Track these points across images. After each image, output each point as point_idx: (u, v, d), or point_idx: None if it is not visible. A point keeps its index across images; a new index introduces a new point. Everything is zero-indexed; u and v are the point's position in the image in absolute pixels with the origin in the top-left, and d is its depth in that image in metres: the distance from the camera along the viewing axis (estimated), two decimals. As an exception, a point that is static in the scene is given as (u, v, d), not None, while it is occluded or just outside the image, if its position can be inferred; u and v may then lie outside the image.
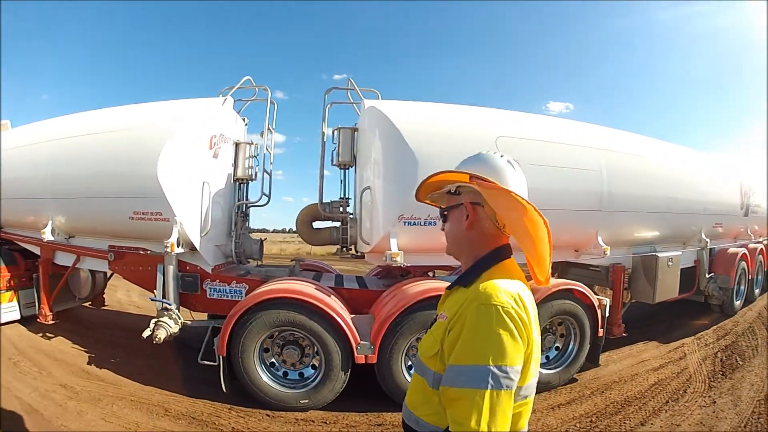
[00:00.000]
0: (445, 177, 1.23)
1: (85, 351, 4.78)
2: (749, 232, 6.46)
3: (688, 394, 3.85)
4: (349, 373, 3.67)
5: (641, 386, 4.05)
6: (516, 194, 1.08)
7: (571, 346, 4.23)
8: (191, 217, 4.07)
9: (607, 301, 4.28)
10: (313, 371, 3.80)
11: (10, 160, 5.03)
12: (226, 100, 4.58)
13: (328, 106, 4.94)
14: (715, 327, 5.52)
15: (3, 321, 4.96)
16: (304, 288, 3.73)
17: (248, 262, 4.92)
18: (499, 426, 1.00)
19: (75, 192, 4.47)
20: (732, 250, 5.63)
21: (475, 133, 4.15)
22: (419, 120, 4.09)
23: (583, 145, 4.44)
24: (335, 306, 3.63)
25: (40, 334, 5.08)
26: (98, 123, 4.62)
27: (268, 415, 3.60)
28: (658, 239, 4.89)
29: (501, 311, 1.00)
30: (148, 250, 4.23)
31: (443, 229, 1.29)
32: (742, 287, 6.06)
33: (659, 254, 4.60)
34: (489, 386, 0.98)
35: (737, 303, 5.97)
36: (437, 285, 3.80)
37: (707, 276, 5.30)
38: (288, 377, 3.83)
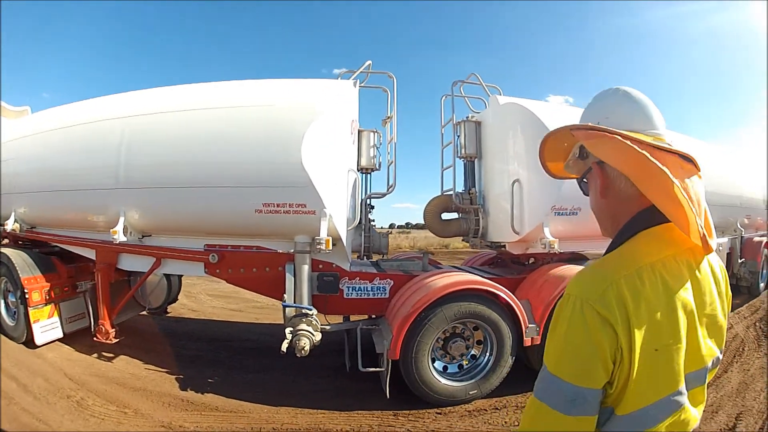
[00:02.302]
0: (555, 140, 1.04)
1: (166, 372, 4.16)
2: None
3: (746, 351, 5.03)
4: (514, 358, 3.86)
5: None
6: (622, 135, 0.84)
7: None
8: (338, 209, 3.83)
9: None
10: (473, 361, 3.96)
11: (40, 145, 4.09)
12: (356, 83, 4.32)
13: (444, 98, 5.05)
14: (747, 305, 6.87)
15: (42, 341, 4.04)
16: (479, 278, 3.88)
17: (371, 257, 4.72)
18: None
19: (164, 181, 3.84)
20: (756, 238, 7.01)
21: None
22: (556, 117, 4.41)
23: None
24: (511, 294, 3.79)
25: (95, 355, 4.29)
26: (203, 98, 4.03)
27: (438, 413, 3.62)
28: (709, 228, 6.01)
29: (577, 306, 0.79)
30: (269, 249, 3.88)
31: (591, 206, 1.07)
32: (765, 271, 7.49)
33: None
34: (547, 401, 0.81)
35: (762, 285, 7.37)
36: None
37: (739, 261, 6.53)
38: (448, 371, 3.91)
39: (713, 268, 0.90)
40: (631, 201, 0.89)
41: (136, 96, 4.32)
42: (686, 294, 0.81)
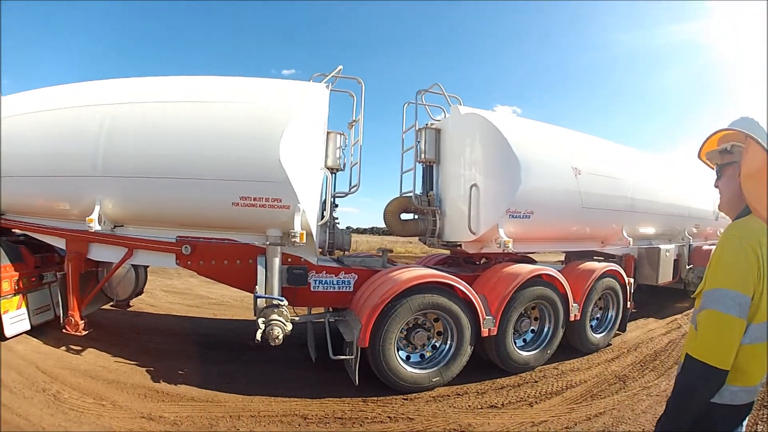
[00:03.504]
0: (721, 135, 1.56)
1: (136, 365, 4.40)
2: (718, 233, 8.49)
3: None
4: (473, 348, 4.39)
5: (660, 344, 5.84)
6: None
7: (609, 314, 5.79)
8: (310, 205, 4.26)
9: (632, 280, 5.85)
10: (433, 351, 4.45)
11: (15, 129, 4.24)
12: (328, 87, 4.79)
13: (406, 105, 5.66)
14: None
15: (11, 333, 4.22)
16: (441, 272, 4.42)
17: (333, 253, 5.18)
18: (709, 349, 1.29)
19: (144, 171, 4.07)
20: (705, 247, 7.77)
21: (551, 144, 5.38)
22: (512, 127, 5.06)
23: (616, 159, 6.07)
24: (470, 287, 4.34)
25: (63, 348, 4.49)
26: (185, 91, 4.37)
27: (405, 399, 4.05)
28: (655, 236, 6.80)
29: (736, 242, 1.32)
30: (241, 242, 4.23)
31: (716, 186, 1.60)
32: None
33: (660, 246, 6.40)
34: (720, 308, 1.27)
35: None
36: (541, 267, 4.85)
37: (687, 267, 7.33)
38: (411, 360, 4.37)
39: None
40: None
41: (118, 84, 4.58)
42: None
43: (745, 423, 1.43)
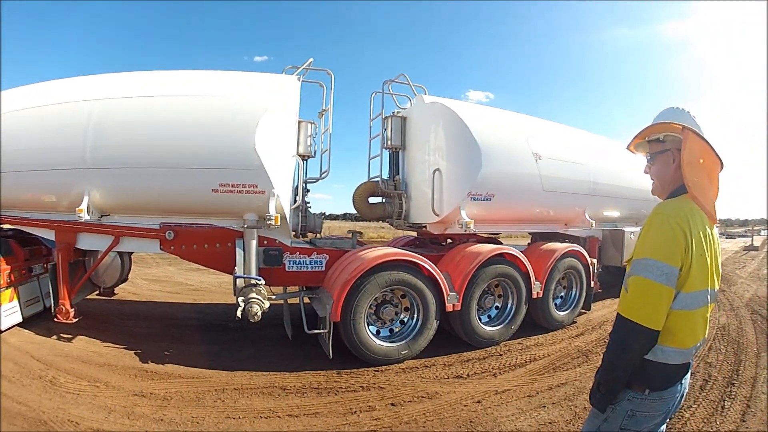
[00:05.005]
0: (658, 129, 1.72)
1: (125, 348, 4.86)
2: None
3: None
4: (438, 322, 4.94)
5: (625, 323, 6.35)
6: (714, 149, 1.61)
7: (573, 293, 6.40)
8: (284, 190, 4.84)
9: (595, 261, 6.47)
10: (402, 325, 5.00)
11: (4, 125, 4.68)
12: (299, 78, 5.40)
13: (373, 94, 6.31)
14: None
15: (5, 326, 4.67)
16: (407, 251, 5.01)
17: (306, 236, 5.76)
18: (637, 310, 1.48)
19: (130, 161, 4.58)
20: None
21: (511, 131, 5.99)
22: (475, 115, 5.68)
23: (580, 145, 6.73)
24: (434, 265, 4.92)
25: (54, 337, 4.94)
26: (167, 86, 4.92)
27: (376, 371, 4.53)
28: (620, 219, 7.47)
29: (664, 219, 1.49)
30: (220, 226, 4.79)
31: (647, 171, 1.82)
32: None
33: (625, 229, 7.03)
34: (649, 276, 1.44)
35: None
36: (502, 246, 5.47)
37: None
38: (380, 334, 4.91)
39: (715, 233, 1.69)
40: (680, 176, 1.65)
41: (104, 79, 5.10)
42: (707, 232, 1.57)
43: (685, 383, 1.67)
